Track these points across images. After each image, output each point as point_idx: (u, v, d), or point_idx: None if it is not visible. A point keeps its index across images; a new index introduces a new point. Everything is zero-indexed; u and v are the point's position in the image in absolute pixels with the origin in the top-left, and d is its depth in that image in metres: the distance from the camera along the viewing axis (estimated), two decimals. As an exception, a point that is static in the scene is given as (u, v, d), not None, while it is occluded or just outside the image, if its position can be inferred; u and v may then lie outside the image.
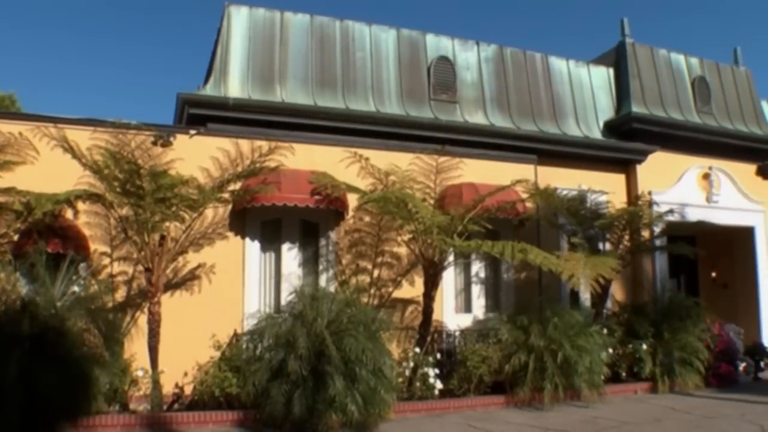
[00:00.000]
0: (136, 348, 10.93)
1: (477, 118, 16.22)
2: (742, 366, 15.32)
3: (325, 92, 14.94)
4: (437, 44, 16.67)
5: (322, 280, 13.62)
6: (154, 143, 11.74)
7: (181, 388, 10.71)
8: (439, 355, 12.47)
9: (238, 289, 12.97)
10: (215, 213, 12.81)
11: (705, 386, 13.85)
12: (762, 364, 16.07)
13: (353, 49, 15.67)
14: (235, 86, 14.15)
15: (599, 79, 18.45)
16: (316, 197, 12.63)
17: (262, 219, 13.39)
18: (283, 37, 15.08)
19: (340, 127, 14.22)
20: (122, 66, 54.44)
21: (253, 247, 13.34)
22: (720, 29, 52.72)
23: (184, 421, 9.71)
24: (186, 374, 10.64)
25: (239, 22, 14.76)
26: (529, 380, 11.66)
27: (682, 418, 10.98)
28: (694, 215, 16.99)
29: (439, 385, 11.59)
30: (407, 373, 11.55)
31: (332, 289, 12.61)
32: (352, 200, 13.24)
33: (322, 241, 13.96)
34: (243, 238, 13.24)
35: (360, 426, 9.42)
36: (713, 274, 20.51)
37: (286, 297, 11.92)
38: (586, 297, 15.37)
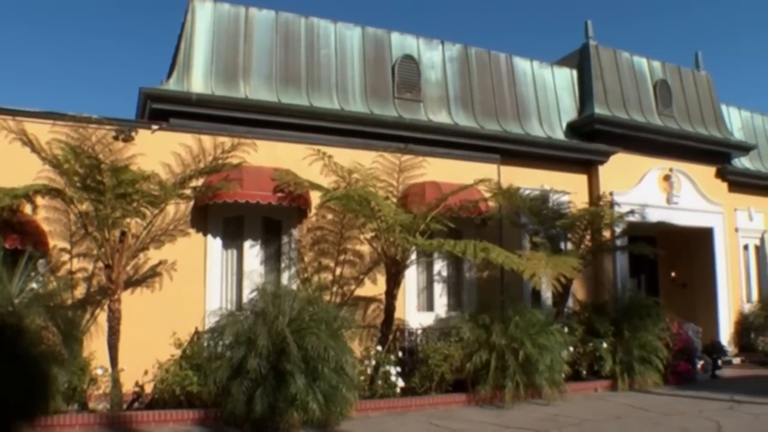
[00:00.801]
0: (95, 346, 10.78)
1: (441, 117, 16.27)
2: (700, 364, 15.54)
3: (289, 89, 14.87)
4: (402, 43, 16.68)
5: (284, 278, 13.57)
6: (116, 138, 11.67)
7: (142, 387, 10.59)
8: (401, 354, 12.51)
9: (199, 286, 12.86)
10: (177, 209, 12.68)
11: (664, 384, 14.06)
12: (719, 362, 16.34)
13: (318, 46, 15.61)
14: (198, 81, 14.01)
15: (563, 80, 18.62)
16: (279, 194, 12.56)
17: (224, 216, 13.29)
18: (248, 32, 14.97)
19: (304, 124, 14.18)
20: (84, 59, 53.53)
21: (214, 244, 13.23)
22: (682, 34, 53.45)
23: (145, 420, 9.60)
24: (146, 372, 10.51)
25: (204, 16, 14.61)
26: (491, 378, 11.73)
27: (642, 415, 11.13)
28: (654, 216, 17.22)
29: (400, 383, 11.60)
30: (369, 371, 11.55)
31: (294, 286, 12.60)
32: (315, 198, 13.20)
33: (285, 239, 13.90)
34: (205, 235, 13.13)
35: (321, 424, 9.41)
36: (673, 274, 20.84)
37: (247, 294, 11.87)
38: (547, 296, 15.54)
